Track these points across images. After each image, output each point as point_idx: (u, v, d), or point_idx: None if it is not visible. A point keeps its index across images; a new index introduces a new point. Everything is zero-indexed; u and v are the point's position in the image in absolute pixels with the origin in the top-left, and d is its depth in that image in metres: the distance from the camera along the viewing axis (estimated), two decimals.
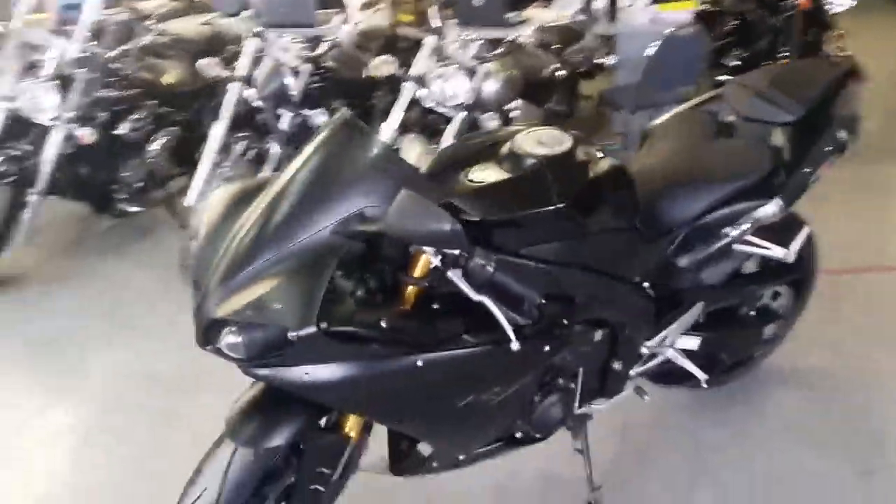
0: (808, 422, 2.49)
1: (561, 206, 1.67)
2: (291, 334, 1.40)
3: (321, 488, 1.79)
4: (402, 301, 1.62)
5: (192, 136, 4.11)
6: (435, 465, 1.95)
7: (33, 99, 3.48)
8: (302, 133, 3.86)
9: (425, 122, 3.76)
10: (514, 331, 1.64)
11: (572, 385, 1.98)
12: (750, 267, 2.41)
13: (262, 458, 1.63)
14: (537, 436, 2.01)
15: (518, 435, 1.97)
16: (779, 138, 2.10)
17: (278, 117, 3.72)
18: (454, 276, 1.54)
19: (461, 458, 1.94)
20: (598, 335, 1.96)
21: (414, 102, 3.57)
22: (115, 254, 4.05)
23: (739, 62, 5.40)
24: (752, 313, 2.40)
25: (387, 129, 3.50)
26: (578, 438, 2.18)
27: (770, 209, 2.05)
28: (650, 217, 1.98)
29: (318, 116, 3.76)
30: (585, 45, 4.75)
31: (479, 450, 1.95)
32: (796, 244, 2.14)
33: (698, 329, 2.26)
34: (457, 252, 1.53)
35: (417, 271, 1.60)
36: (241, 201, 1.63)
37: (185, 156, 4.09)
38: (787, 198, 2.06)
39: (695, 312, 2.16)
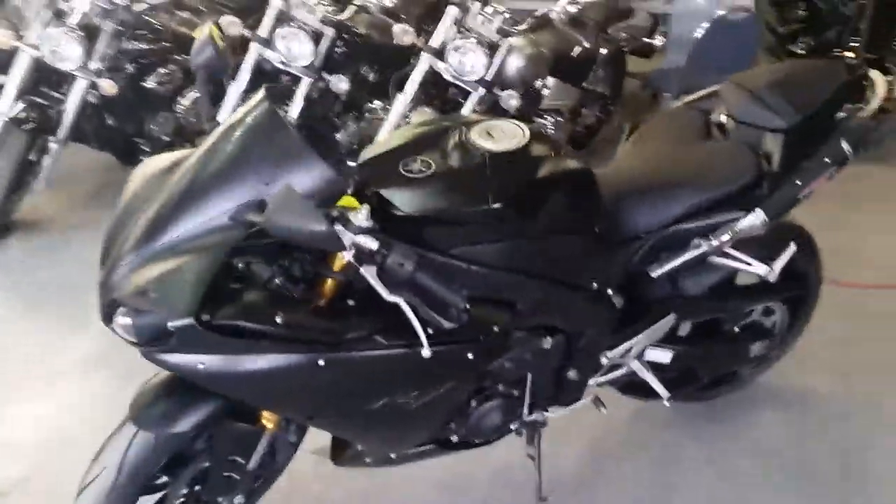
0: (786, 449, 2.33)
1: (497, 206, 1.56)
2: (169, 324, 1.34)
3: (235, 476, 1.76)
4: (319, 295, 1.54)
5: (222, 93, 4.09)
6: (368, 460, 1.90)
7: (57, 47, 3.50)
8: (323, 98, 3.80)
9: (446, 97, 3.64)
10: (438, 335, 1.56)
11: (515, 392, 1.88)
12: (742, 280, 2.26)
13: (164, 443, 1.59)
14: (476, 441, 1.93)
15: (454, 439, 1.88)
16: (770, 145, 1.92)
17: (297, 80, 3.65)
18: (367, 273, 1.44)
19: (392, 456, 1.87)
20: (548, 342, 1.84)
21: (437, 75, 3.45)
22: None
23: (806, 50, 5.06)
24: (736, 329, 2.24)
25: (401, 100, 3.40)
26: (531, 444, 2.08)
27: (749, 221, 1.88)
28: (616, 222, 1.84)
29: (340, 83, 3.67)
30: (634, 22, 4.50)
31: (412, 450, 1.87)
32: (780, 262, 1.96)
33: (674, 342, 2.13)
34: (372, 247, 1.43)
35: (336, 265, 1.52)
36: (164, 174, 1.57)
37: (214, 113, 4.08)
38: (771, 211, 1.88)
39: (665, 324, 2.02)
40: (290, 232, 1.28)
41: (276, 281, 1.51)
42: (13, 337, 2.92)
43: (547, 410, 2.02)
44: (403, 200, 1.56)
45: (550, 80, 3.91)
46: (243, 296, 1.43)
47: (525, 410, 1.93)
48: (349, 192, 1.59)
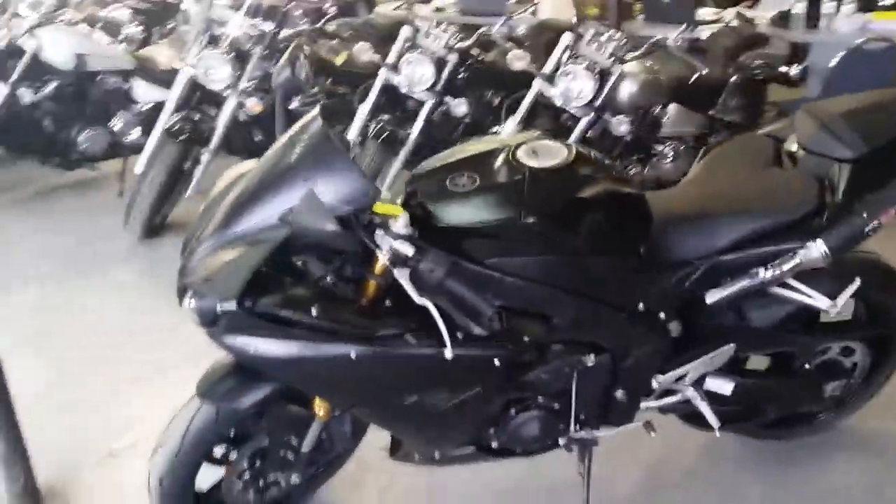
0: (860, 496, 2.20)
1: (530, 220, 1.64)
2: (218, 307, 1.52)
3: (290, 456, 1.93)
4: (362, 294, 1.69)
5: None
6: (417, 457, 2.01)
7: (211, 68, 3.91)
8: (444, 121, 3.97)
9: (559, 123, 3.70)
10: (467, 341, 1.66)
11: (556, 405, 1.93)
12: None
13: (225, 417, 1.78)
14: (518, 450, 1.99)
15: (494, 445, 1.95)
16: (836, 176, 1.86)
17: (421, 104, 3.85)
18: (400, 275, 1.57)
19: (436, 455, 1.97)
20: (591, 359, 1.88)
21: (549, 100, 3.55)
22: None
23: None
24: (807, 366, 2.16)
25: (510, 124, 3.52)
26: (582, 462, 2.11)
27: (809, 253, 1.84)
28: (668, 244, 1.86)
29: (460, 106, 3.84)
30: (770, 51, 4.37)
31: (454, 452, 1.96)
32: (843, 296, 1.89)
33: (739, 373, 2.09)
34: (408, 253, 1.56)
35: (377, 268, 1.66)
36: (240, 179, 1.78)
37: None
38: (833, 243, 1.83)
39: (723, 354, 1.99)
40: (307, 232, 1.43)
41: (327, 279, 1.67)
42: (154, 319, 3.26)
43: (597, 429, 2.05)
44: (445, 211, 1.68)
45: (672, 107, 3.89)
46: (287, 288, 1.60)
47: (572, 426, 1.98)
48: (398, 201, 1.72)
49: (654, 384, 1.98)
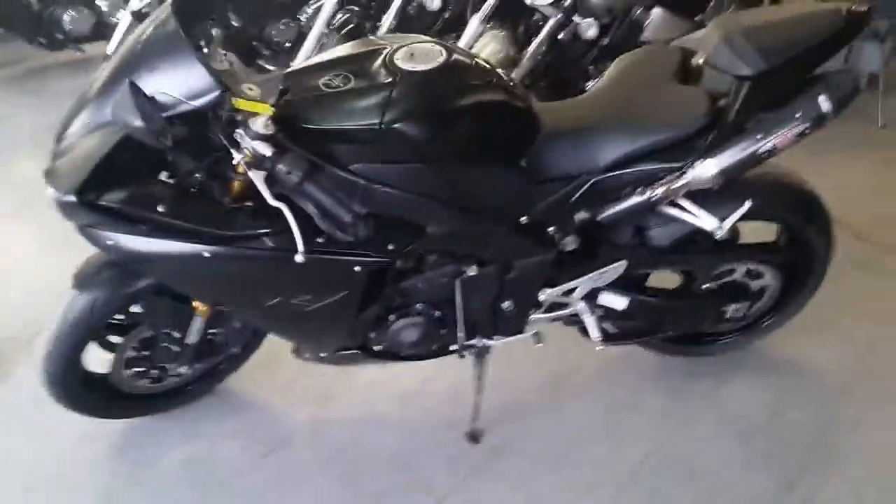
0: (757, 417, 2.21)
1: (395, 125, 1.60)
2: (57, 198, 1.53)
3: (175, 348, 1.98)
4: (228, 194, 1.68)
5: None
6: (307, 356, 2.05)
7: None
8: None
9: (530, 23, 3.55)
10: (328, 245, 1.66)
11: (436, 313, 1.94)
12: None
13: (99, 308, 1.83)
14: (402, 354, 2.01)
15: (376, 349, 1.98)
16: (733, 93, 1.77)
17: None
18: (255, 176, 1.55)
19: (322, 355, 2.01)
20: (473, 270, 1.88)
21: None
22: None
23: None
24: (706, 287, 2.13)
25: (474, 23, 3.39)
26: (476, 369, 2.14)
27: (700, 173, 1.78)
28: (554, 158, 1.81)
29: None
30: None
31: (340, 353, 1.99)
32: (731, 219, 1.83)
33: (635, 290, 2.07)
34: (265, 153, 1.54)
35: (240, 168, 1.64)
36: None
37: None
38: (723, 164, 1.76)
39: (613, 270, 1.97)
40: (121, 123, 1.41)
41: (196, 176, 1.67)
42: None
43: (491, 339, 2.07)
44: (312, 113, 1.64)
45: (656, 11, 3.71)
46: (136, 185, 1.59)
47: (461, 334, 1.99)
48: (271, 100, 1.68)
49: (542, 297, 1.98)
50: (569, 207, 1.86)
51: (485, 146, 1.73)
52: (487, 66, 1.77)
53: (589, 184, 1.82)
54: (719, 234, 1.85)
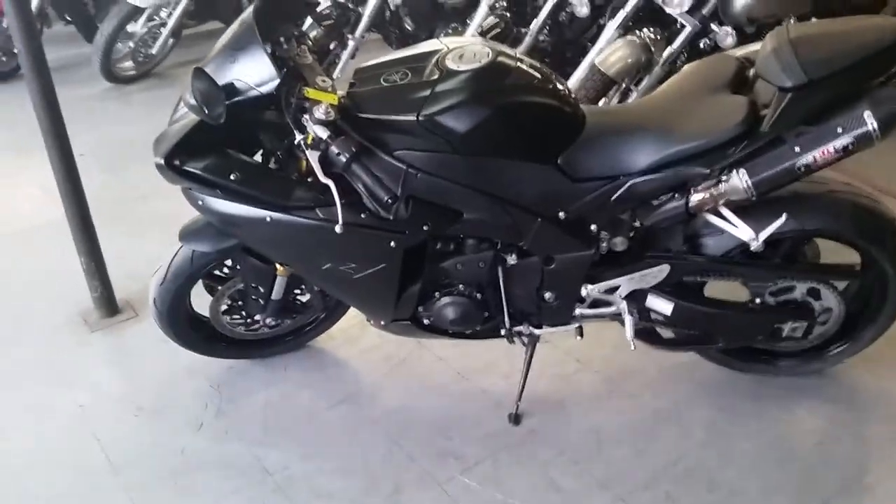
0: (798, 447, 2.14)
1: (427, 118, 1.78)
2: (155, 161, 1.87)
3: (261, 301, 2.29)
4: (297, 169, 1.95)
5: None
6: (371, 322, 2.28)
7: None
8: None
9: (671, 31, 3.54)
10: (371, 221, 1.88)
11: (478, 295, 2.08)
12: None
13: (197, 259, 2.17)
14: (449, 330, 2.18)
15: (425, 322, 2.17)
16: (775, 104, 1.75)
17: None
18: (311, 155, 1.80)
19: (382, 323, 2.22)
20: (513, 258, 2.01)
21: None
22: None
23: None
24: (761, 302, 2.09)
25: (609, 27, 3.45)
26: (526, 354, 2.27)
27: (733, 183, 1.79)
28: (592, 158, 1.89)
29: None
30: None
31: (396, 322, 2.19)
32: (767, 231, 1.82)
33: (684, 297, 2.09)
34: (321, 136, 1.78)
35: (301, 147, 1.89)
36: None
37: None
38: (757, 175, 1.77)
39: (657, 273, 2.01)
40: (187, 104, 1.70)
41: (277, 153, 1.96)
42: None
43: (537, 327, 2.18)
44: (367, 103, 1.86)
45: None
46: (216, 155, 1.88)
47: (506, 319, 2.13)
48: (341, 92, 1.92)
49: (584, 292, 2.06)
50: (609, 207, 1.93)
51: (517, 143, 1.86)
52: (532, 70, 1.89)
53: (626, 185, 1.89)
54: (754, 246, 1.84)
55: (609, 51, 3.33)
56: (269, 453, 2.21)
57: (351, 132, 1.81)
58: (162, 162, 1.85)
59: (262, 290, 2.27)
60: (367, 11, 4.39)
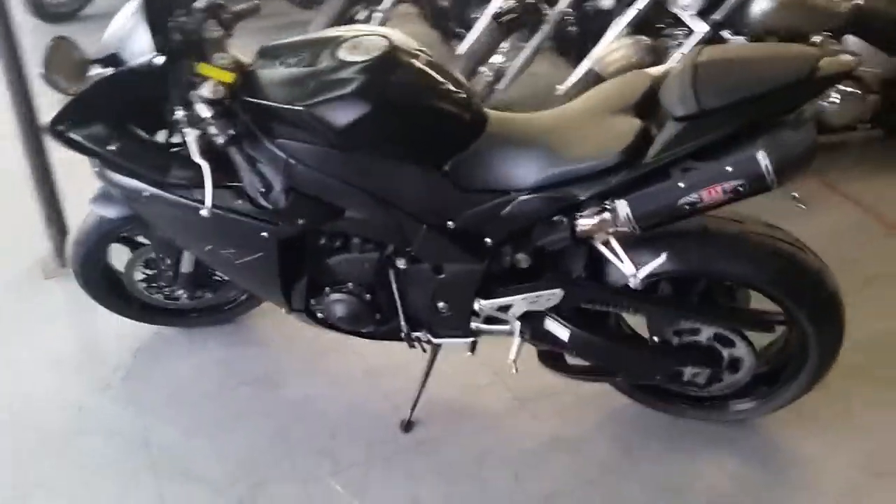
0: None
1: (299, 108, 1.70)
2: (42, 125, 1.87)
3: (169, 273, 2.29)
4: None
5: None
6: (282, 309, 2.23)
7: None
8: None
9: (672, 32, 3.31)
10: (247, 208, 1.83)
11: (367, 296, 2.01)
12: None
13: (105, 225, 2.17)
14: (343, 327, 2.11)
15: (319, 316, 2.11)
16: (665, 133, 1.59)
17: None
18: (188, 133, 1.76)
19: (283, 311, 2.17)
20: (403, 263, 1.93)
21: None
22: None
23: None
24: (662, 340, 1.93)
25: (615, 26, 3.26)
26: (428, 362, 2.19)
27: (618, 213, 1.65)
28: (483, 168, 1.78)
29: None
30: None
31: (294, 312, 2.14)
32: (646, 268, 1.67)
33: (580, 324, 1.95)
34: (203, 115, 1.73)
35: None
36: None
37: None
38: (639, 209, 1.62)
39: (548, 296, 1.88)
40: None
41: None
42: None
43: (434, 335, 2.09)
44: (258, 87, 1.80)
45: (850, 40, 3.28)
46: (99, 125, 1.85)
47: (402, 323, 2.04)
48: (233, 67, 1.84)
49: (476, 306, 1.96)
50: (501, 222, 1.82)
51: (400, 144, 1.76)
52: (429, 69, 1.78)
53: (515, 202, 1.77)
54: (633, 283, 1.70)
55: (609, 50, 3.15)
56: (157, 426, 2.21)
57: (240, 114, 1.76)
58: (47, 126, 1.84)
59: (168, 261, 2.25)
60: None
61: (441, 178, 1.78)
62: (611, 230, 1.69)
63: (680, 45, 3.17)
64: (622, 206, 1.64)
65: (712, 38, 3.09)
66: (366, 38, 1.79)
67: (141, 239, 2.29)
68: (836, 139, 3.44)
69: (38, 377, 2.37)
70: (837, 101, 3.25)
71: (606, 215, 1.67)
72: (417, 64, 1.78)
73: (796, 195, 2.86)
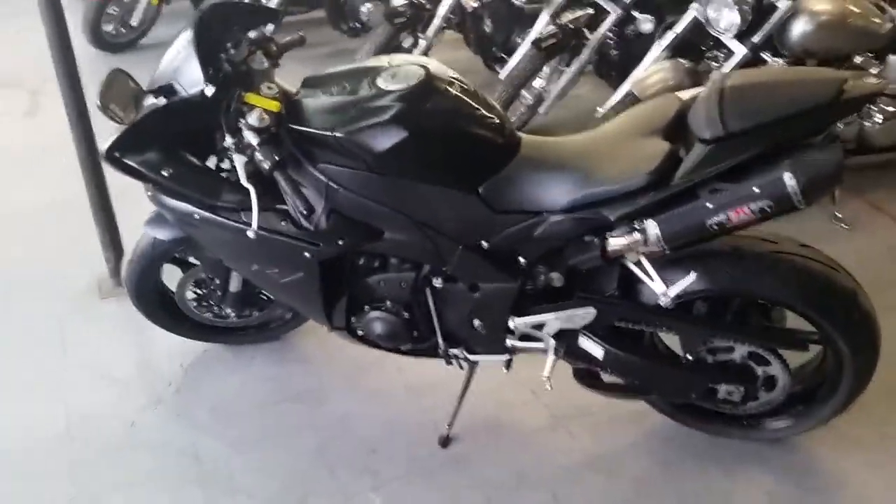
0: None
1: (339, 135, 1.78)
2: (99, 151, 1.98)
3: (219, 292, 2.39)
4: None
5: None
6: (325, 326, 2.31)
7: None
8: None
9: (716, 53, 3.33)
10: (290, 230, 1.92)
11: (406, 314, 2.07)
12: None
13: (158, 246, 2.27)
14: (381, 344, 2.18)
15: (359, 333, 2.18)
16: (692, 155, 1.63)
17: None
18: (236, 159, 1.86)
19: (326, 329, 2.25)
20: (439, 282, 1.99)
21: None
22: None
23: None
24: (695, 358, 1.95)
25: (655, 49, 3.29)
26: (467, 378, 2.24)
27: (647, 233, 1.68)
28: (516, 191, 1.83)
29: (645, 23, 3.59)
30: None
31: (335, 329, 2.21)
32: (676, 287, 1.70)
33: (616, 343, 1.98)
34: (252, 142, 1.82)
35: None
36: None
37: None
38: (668, 228, 1.65)
39: (583, 315, 1.92)
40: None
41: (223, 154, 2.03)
42: None
43: (470, 352, 2.14)
44: (302, 114, 1.89)
45: (894, 61, 3.26)
46: (154, 151, 1.95)
47: (440, 340, 2.10)
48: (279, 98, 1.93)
49: (511, 324, 2.01)
50: (535, 242, 1.87)
51: (436, 168, 1.83)
52: (464, 96, 1.85)
53: (547, 222, 1.82)
54: (663, 302, 1.74)
55: (647, 73, 3.19)
56: (205, 440, 2.30)
57: (285, 141, 1.85)
58: (103, 153, 1.95)
59: (217, 281, 2.35)
60: (440, 12, 4.40)
61: (476, 200, 1.84)
62: (641, 250, 1.73)
63: (720, 67, 3.19)
64: (651, 227, 1.68)
65: (752, 61, 3.11)
66: (403, 68, 1.87)
67: (192, 260, 2.39)
68: (880, 159, 3.42)
69: (94, 392, 2.48)
70: (880, 121, 3.24)
71: (636, 235, 1.71)
72: (452, 91, 1.85)
73: (839, 215, 2.89)
